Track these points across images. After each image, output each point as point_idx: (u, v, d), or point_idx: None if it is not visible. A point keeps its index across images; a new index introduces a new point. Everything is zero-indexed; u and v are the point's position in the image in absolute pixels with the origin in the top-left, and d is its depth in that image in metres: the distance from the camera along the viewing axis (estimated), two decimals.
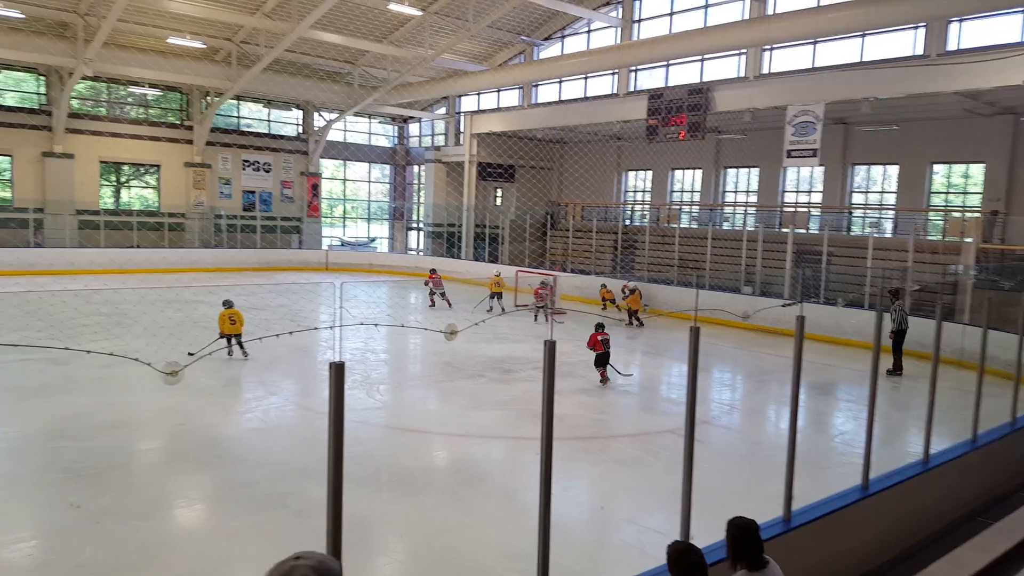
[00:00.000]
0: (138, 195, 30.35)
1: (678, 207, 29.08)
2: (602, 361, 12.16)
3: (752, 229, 23.91)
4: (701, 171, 28.45)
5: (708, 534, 4.52)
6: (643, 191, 31.60)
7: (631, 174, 31.92)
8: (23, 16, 22.41)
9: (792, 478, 5.27)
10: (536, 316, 19.43)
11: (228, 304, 13.29)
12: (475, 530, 6.65)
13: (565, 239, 29.85)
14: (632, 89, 26.63)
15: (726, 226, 26.60)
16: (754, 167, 26.81)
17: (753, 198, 27.24)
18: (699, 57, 24.04)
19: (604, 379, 12.20)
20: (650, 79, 26.12)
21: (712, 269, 22.84)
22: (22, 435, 8.26)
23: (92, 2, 22.77)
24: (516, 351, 14.77)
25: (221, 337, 12.90)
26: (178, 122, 30.19)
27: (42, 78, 27.02)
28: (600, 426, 10.10)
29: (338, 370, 3.10)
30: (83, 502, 6.67)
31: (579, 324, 18.03)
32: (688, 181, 29.55)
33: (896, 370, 13.60)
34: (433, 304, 20.52)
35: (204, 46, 26.34)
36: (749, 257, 22.16)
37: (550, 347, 3.87)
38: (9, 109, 26.38)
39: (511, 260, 29.31)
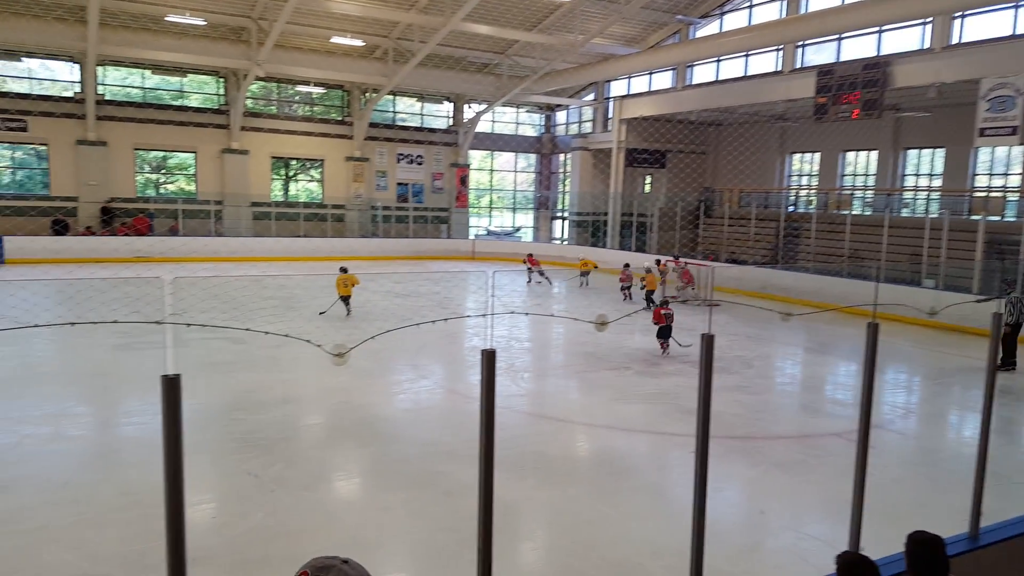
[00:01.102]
0: (304, 188, 32.49)
1: (850, 192, 27.07)
2: (664, 334, 13.23)
3: (936, 216, 21.82)
4: (877, 153, 26.30)
5: (879, 547, 4.11)
6: (809, 175, 29.70)
7: (796, 157, 30.10)
8: (205, 23, 24.55)
9: (982, 490, 4.68)
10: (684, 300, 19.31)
11: (344, 270, 16.02)
12: (621, 523, 6.49)
13: (720, 227, 28.63)
14: (799, 66, 25.08)
15: (905, 212, 24.46)
16: (939, 147, 24.45)
17: (937, 182, 24.85)
18: (876, 29, 22.15)
19: (664, 348, 13.21)
20: (819, 54, 24.45)
21: (888, 260, 21.07)
22: (205, 407, 9.02)
23: (265, 7, 24.51)
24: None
25: (340, 298, 15.60)
26: (339, 119, 31.97)
27: (221, 80, 29.50)
28: (758, 425, 9.57)
29: (489, 357, 3.05)
30: (256, 471, 7.17)
31: (734, 317, 17.31)
32: (861, 164, 27.42)
33: (1007, 364, 12.42)
34: (530, 281, 22.63)
35: (363, 44, 27.66)
36: (932, 247, 20.17)
37: (707, 341, 3.63)
38: (194, 110, 29.04)
39: (660, 249, 28.60)
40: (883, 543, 4.03)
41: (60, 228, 25.94)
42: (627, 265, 20.67)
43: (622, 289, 20.05)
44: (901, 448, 9.05)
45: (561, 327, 15.93)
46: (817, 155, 28.74)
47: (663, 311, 13.35)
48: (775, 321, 15.67)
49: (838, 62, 22.92)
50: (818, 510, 6.95)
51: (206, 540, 5.72)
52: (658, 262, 20.22)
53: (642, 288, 18.74)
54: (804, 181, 29.99)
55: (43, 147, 26.71)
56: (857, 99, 20.56)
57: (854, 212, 25.26)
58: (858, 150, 27.14)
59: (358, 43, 27.04)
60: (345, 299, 15.70)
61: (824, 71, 21.80)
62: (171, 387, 2.86)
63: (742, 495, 7.30)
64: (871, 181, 26.84)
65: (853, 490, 4.42)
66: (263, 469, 7.23)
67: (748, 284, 21.30)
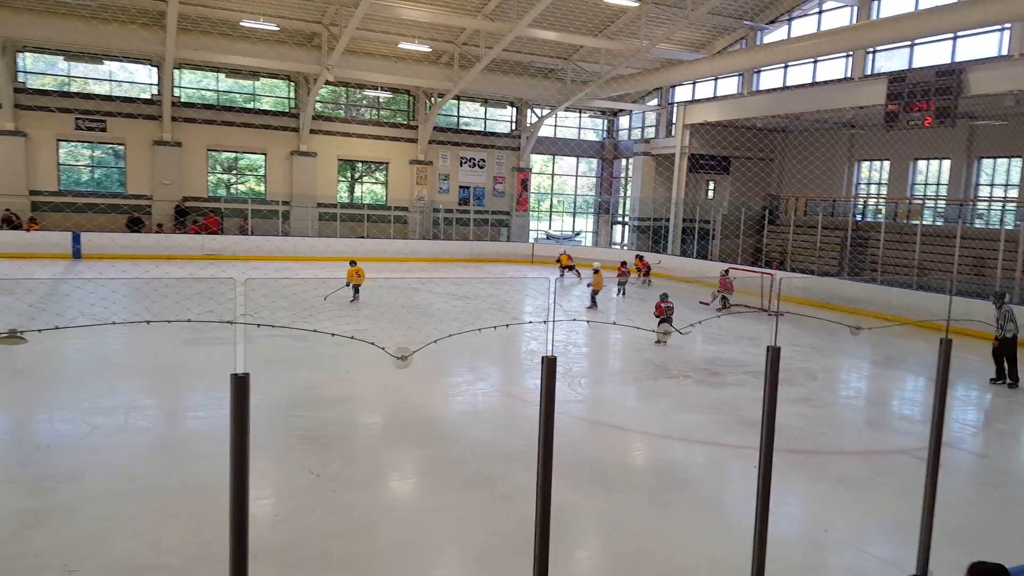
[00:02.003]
0: (369, 190, 33.08)
1: (920, 201, 26.11)
2: (666, 322, 14.35)
3: (1013, 228, 20.84)
4: (949, 162, 25.32)
5: (948, 570, 3.94)
6: (878, 183, 28.78)
7: (864, 165, 29.21)
8: (278, 28, 25.27)
9: None
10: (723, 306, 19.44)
11: (353, 263, 18.06)
12: (678, 536, 6.39)
13: (784, 235, 27.97)
14: (869, 72, 24.35)
15: (979, 224, 23.44)
16: (1016, 157, 23.37)
17: (1013, 192, 23.75)
18: (950, 35, 21.35)
19: (663, 334, 13.82)
20: (890, 61, 23.71)
21: (960, 273, 20.23)
22: (268, 403, 9.26)
23: (335, 13, 25.08)
24: (726, 352, 14.10)
25: (348, 285, 17.76)
26: (404, 122, 32.47)
27: (292, 84, 30.31)
28: (821, 440, 9.30)
29: (550, 364, 3.05)
30: (315, 467, 7.33)
31: (798, 327, 16.88)
32: (933, 173, 26.42)
33: (999, 379, 12.21)
34: (562, 275, 24.41)
35: (429, 49, 28.05)
36: (1007, 260, 19.29)
37: (773, 353, 3.55)
38: (265, 112, 29.90)
39: (722, 256, 28.12)
40: (953, 568, 3.87)
41: (136, 226, 27.08)
42: (624, 263, 23.29)
43: (560, 273, 23.02)
44: (972, 468, 8.67)
45: (619, 333, 15.81)
46: (886, 163, 27.82)
47: (663, 304, 14.75)
48: (840, 333, 15.20)
49: (910, 69, 22.14)
50: (883, 530, 6.71)
51: (266, 535, 5.86)
52: (725, 272, 20.16)
53: (588, 285, 19.68)
54: (872, 190, 29.05)
55: (120, 147, 27.91)
56: (930, 107, 19.84)
57: (925, 222, 24.33)
58: (930, 159, 26.17)
59: (425, 48, 27.44)
60: (356, 288, 17.87)
61: (895, 78, 21.09)
62: (240, 385, 2.95)
63: (804, 511, 7.11)
64: (943, 191, 25.83)
65: (922, 510, 4.27)
66: (322, 466, 7.38)
67: (814, 294, 20.75)
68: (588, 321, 12.21)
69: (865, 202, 28.96)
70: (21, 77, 26.48)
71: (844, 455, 8.82)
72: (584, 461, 7.93)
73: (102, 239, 25.07)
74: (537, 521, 3.09)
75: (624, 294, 21.86)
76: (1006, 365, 12.26)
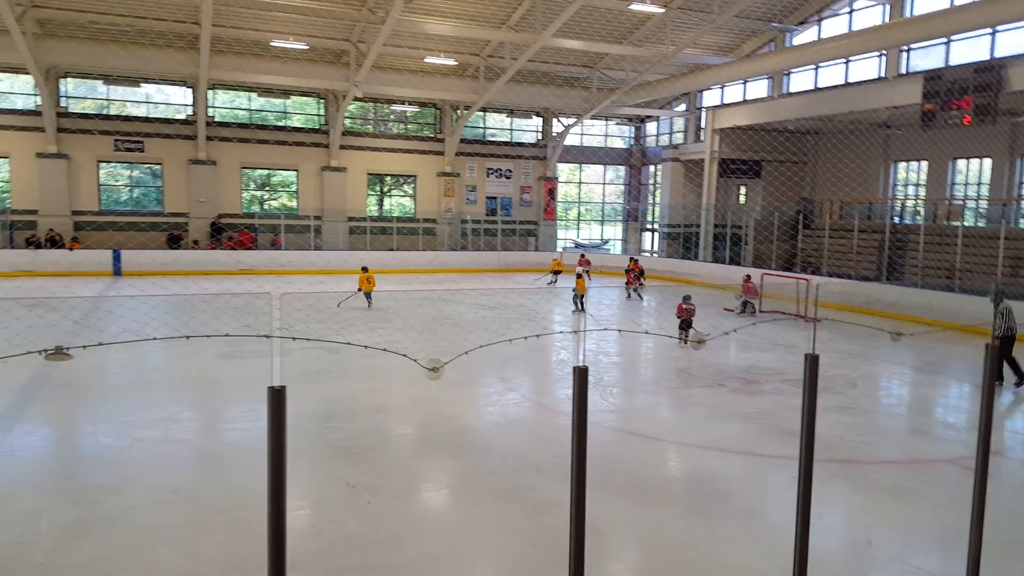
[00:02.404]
0: (397, 203, 33.37)
1: (961, 202, 25.54)
2: (684, 326, 14.77)
3: None
4: (991, 160, 24.74)
5: None
6: (916, 184, 28.21)
7: (901, 165, 28.67)
8: (307, 47, 25.68)
9: None
10: (744, 310, 19.57)
11: (365, 269, 18.81)
12: (715, 547, 6.27)
13: (820, 239, 27.52)
14: (903, 71, 23.97)
15: (1023, 224, 22.84)
16: None
17: None
18: (989, 30, 20.91)
19: (683, 340, 14.35)
20: (925, 59, 23.30)
21: (1004, 275, 19.71)
22: (302, 414, 9.34)
23: (363, 31, 25.41)
24: (760, 360, 13.89)
25: (359, 291, 18.51)
26: (431, 135, 32.74)
27: (322, 101, 30.75)
28: (863, 449, 9.09)
29: (582, 375, 3.02)
30: (349, 478, 7.36)
31: (836, 333, 16.59)
32: (973, 172, 25.84)
33: (999, 380, 11.57)
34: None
35: (455, 63, 28.27)
36: None
37: (811, 361, 3.48)
38: (296, 130, 30.37)
39: (755, 262, 27.78)
40: None
41: (175, 243, 27.66)
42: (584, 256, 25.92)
43: (627, 284, 23.17)
44: (1022, 477, 8.40)
45: (651, 341, 15.67)
46: (924, 164, 27.27)
47: (685, 305, 15.12)
48: (880, 338, 14.89)
49: (947, 66, 21.75)
50: (929, 541, 6.52)
51: (303, 546, 5.90)
52: (748, 277, 19.97)
53: (573, 290, 19.87)
54: (910, 191, 28.50)
55: (158, 166, 28.56)
56: (968, 105, 19.42)
57: (966, 223, 23.78)
58: (970, 158, 25.59)
59: (451, 62, 27.67)
60: (368, 294, 18.65)
61: (931, 76, 20.70)
62: (276, 398, 2.97)
63: (846, 522, 6.94)
64: (984, 191, 25.24)
65: (971, 522, 4.14)
66: (357, 477, 7.40)
67: (852, 299, 20.37)
68: (619, 330, 12.11)
69: (903, 204, 28.42)
70: (63, 102, 27.29)
71: (887, 464, 8.60)
72: (618, 472, 7.85)
73: (142, 256, 25.66)
74: (572, 532, 3.06)
75: (631, 296, 22.68)
76: (1005, 365, 11.74)
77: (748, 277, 20.09)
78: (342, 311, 17.68)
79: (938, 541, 6.46)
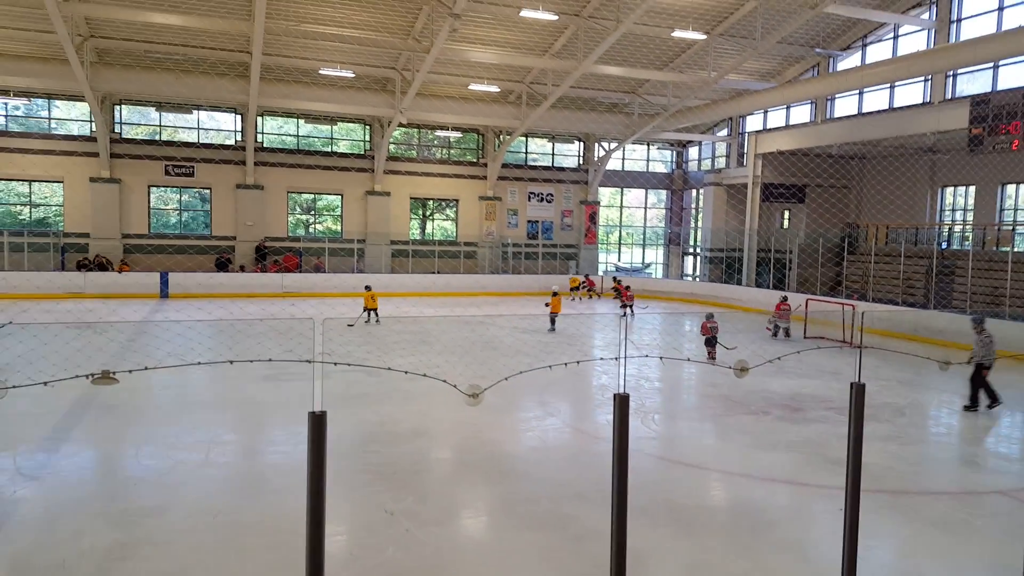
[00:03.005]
0: (440, 227, 33.70)
1: (1011, 227, 24.83)
2: (710, 343, 15.82)
3: None
4: None
5: None
6: (964, 209, 27.53)
7: (948, 190, 28.01)
8: (354, 75, 26.27)
9: None
10: (775, 333, 19.58)
11: (368, 288, 20.01)
12: None
13: (865, 264, 26.97)
14: (949, 96, 23.52)
15: None
16: None
17: None
18: None
19: (712, 357, 15.38)
20: (972, 83, 22.84)
21: None
22: (342, 438, 9.42)
23: (408, 59, 25.92)
24: (806, 387, 13.61)
25: (366, 310, 19.65)
26: (474, 160, 33.10)
27: (367, 127, 31.35)
28: (912, 480, 8.82)
29: (622, 402, 3.00)
30: (387, 504, 7.38)
31: (883, 361, 16.20)
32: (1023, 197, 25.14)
33: (974, 405, 12.02)
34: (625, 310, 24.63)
35: (498, 90, 28.60)
36: None
37: (857, 390, 3.41)
38: (342, 155, 30.99)
39: (799, 287, 27.31)
40: None
41: (223, 267, 28.34)
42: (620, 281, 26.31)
43: (623, 306, 24.34)
44: None
45: (693, 367, 15.47)
46: (972, 188, 26.62)
47: (709, 324, 15.95)
48: (928, 366, 14.47)
49: (994, 91, 21.26)
50: (982, 575, 6.28)
51: (340, 572, 5.92)
52: (783, 299, 19.91)
53: (546, 304, 20.53)
54: (958, 216, 27.81)
55: (207, 190, 29.36)
56: (1018, 129, 18.94)
57: (1016, 249, 23.06)
58: (1019, 183, 24.90)
59: (494, 89, 28.02)
60: (372, 311, 19.75)
61: (978, 100, 20.27)
62: (317, 424, 3.02)
63: (895, 555, 6.72)
64: None
65: None
66: (395, 502, 7.42)
67: (898, 326, 19.88)
68: (661, 357, 11.96)
69: (950, 229, 27.73)
70: (117, 128, 28.29)
71: (937, 495, 8.33)
72: (660, 501, 7.73)
73: (188, 280, 26.28)
74: (612, 563, 3.02)
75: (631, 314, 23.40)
76: (980, 391, 12.00)
77: (784, 299, 19.95)
78: (390, 333, 17.92)
79: (992, 575, 6.22)
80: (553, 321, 19.96)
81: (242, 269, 28.69)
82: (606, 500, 3.34)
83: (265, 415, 11.04)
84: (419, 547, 6.48)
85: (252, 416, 11.02)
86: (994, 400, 12.06)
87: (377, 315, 19.94)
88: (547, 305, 20.04)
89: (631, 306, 24.36)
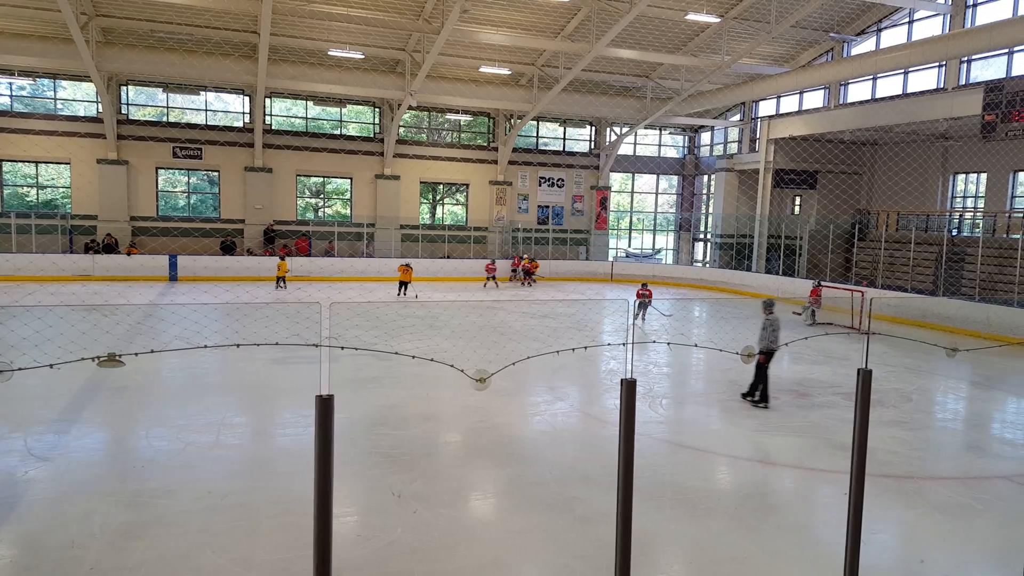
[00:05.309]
0: (450, 211, 33.68)
1: (1021, 215, 24.63)
2: (642, 306, 18.55)
3: None
4: None
5: None
6: (975, 196, 27.31)
7: (960, 177, 27.78)
8: (363, 56, 26.15)
9: None
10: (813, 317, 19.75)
11: (404, 263, 22.56)
12: (765, 563, 6.18)
13: (875, 251, 26.83)
14: (963, 82, 23.27)
15: None
16: None
17: None
18: None
19: (641, 319, 18.46)
20: (986, 69, 22.62)
21: None
22: (352, 421, 9.50)
23: (418, 40, 25.80)
24: (814, 373, 13.61)
25: (401, 284, 22.34)
26: (484, 144, 32.98)
27: (376, 110, 31.27)
28: (917, 464, 8.84)
29: (629, 387, 3.03)
30: (396, 486, 7.45)
31: (891, 347, 16.16)
32: None
33: (751, 394, 11.10)
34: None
35: (509, 72, 28.44)
36: None
37: (864, 375, 3.42)
38: (351, 138, 30.94)
39: (810, 273, 27.21)
40: None
41: (228, 250, 28.41)
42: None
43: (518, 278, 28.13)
44: None
45: (702, 353, 15.48)
46: (983, 176, 26.38)
47: (641, 292, 18.53)
48: (936, 352, 14.44)
49: (1009, 77, 21.04)
50: (986, 560, 6.30)
51: (350, 552, 5.99)
52: (818, 283, 20.61)
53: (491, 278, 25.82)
54: (969, 203, 27.59)
55: (215, 173, 29.39)
56: None
57: None
58: None
59: (505, 71, 27.84)
60: (405, 285, 22.51)
61: (992, 87, 20.05)
62: (324, 407, 3.06)
63: (899, 539, 6.76)
64: None
65: None
66: (404, 485, 7.50)
67: (907, 312, 19.82)
68: (668, 343, 11.98)
69: (961, 216, 27.53)
70: (124, 109, 28.28)
71: (941, 480, 8.35)
72: (666, 484, 7.79)
73: (196, 263, 26.37)
74: (618, 545, 3.06)
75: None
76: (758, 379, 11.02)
77: (818, 283, 20.22)
78: (398, 317, 18.00)
79: (994, 560, 6.24)
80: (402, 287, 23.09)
81: (250, 252, 28.78)
82: (613, 483, 3.37)
83: (275, 397, 11.12)
84: (427, 528, 6.55)
85: (262, 398, 11.10)
86: (763, 399, 11.04)
87: (406, 289, 22.43)
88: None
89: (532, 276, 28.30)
